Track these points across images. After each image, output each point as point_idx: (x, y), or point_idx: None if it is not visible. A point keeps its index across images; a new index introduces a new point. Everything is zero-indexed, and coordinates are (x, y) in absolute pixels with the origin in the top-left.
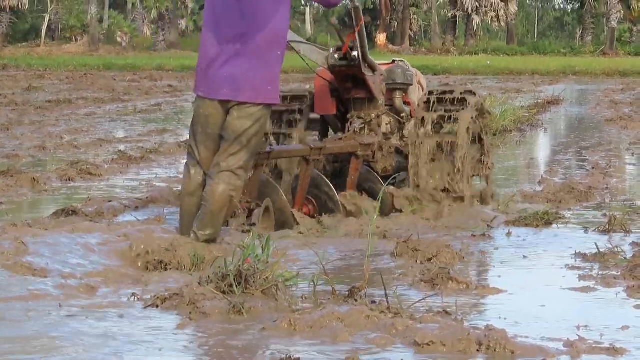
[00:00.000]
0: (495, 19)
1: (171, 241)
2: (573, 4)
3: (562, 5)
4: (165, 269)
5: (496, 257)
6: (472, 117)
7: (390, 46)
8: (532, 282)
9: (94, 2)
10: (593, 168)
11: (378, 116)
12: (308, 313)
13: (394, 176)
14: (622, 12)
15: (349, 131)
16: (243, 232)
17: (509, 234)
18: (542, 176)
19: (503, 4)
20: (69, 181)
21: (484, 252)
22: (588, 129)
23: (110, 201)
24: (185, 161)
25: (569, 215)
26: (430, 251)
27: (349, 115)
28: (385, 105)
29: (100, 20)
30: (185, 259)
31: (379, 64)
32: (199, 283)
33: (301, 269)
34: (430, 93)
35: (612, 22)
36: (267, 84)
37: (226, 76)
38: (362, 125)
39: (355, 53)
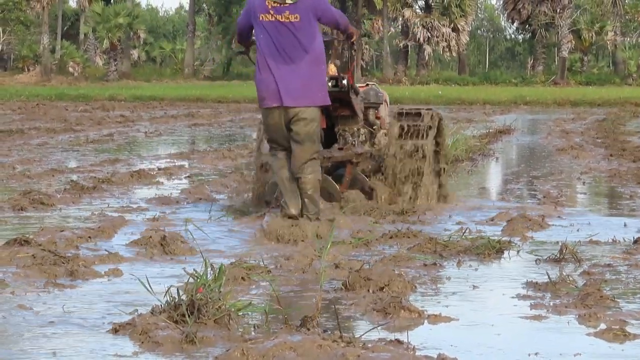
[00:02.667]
0: (447, 49)
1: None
2: (524, 34)
3: (513, 35)
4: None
5: (448, 286)
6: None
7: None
8: (484, 310)
9: (46, 33)
10: (544, 197)
11: (358, 129)
12: (260, 342)
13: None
14: (573, 42)
15: (343, 142)
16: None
17: (460, 263)
18: (493, 205)
19: (454, 34)
20: (21, 211)
21: (436, 281)
22: (539, 158)
23: (62, 231)
24: None
25: (521, 244)
26: (382, 280)
27: (336, 129)
28: (362, 119)
29: (53, 51)
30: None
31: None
32: (152, 312)
33: (254, 298)
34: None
35: (563, 52)
36: (320, 91)
37: (287, 89)
38: (353, 139)
39: (345, 82)
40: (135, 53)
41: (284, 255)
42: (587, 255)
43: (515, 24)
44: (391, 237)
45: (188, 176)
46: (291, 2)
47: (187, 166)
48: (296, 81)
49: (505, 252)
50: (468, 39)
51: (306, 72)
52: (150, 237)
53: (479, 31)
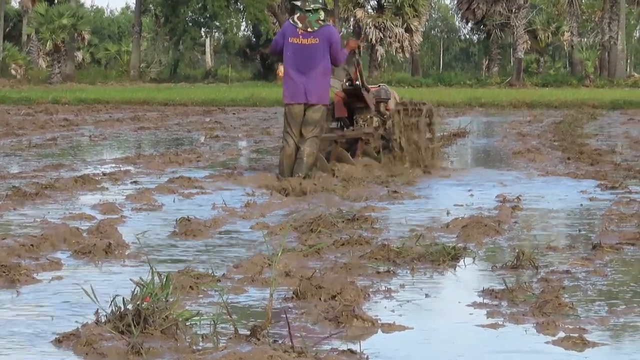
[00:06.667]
0: (400, 50)
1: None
2: (479, 35)
3: (467, 36)
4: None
5: (402, 294)
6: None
7: None
8: (439, 319)
9: None
10: (501, 202)
11: (370, 117)
12: (209, 353)
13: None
14: (529, 42)
15: (357, 125)
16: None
17: (413, 271)
18: (448, 210)
19: (407, 34)
20: None
21: (389, 289)
22: (495, 161)
23: (4, 239)
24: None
25: (476, 250)
26: (334, 288)
27: (354, 117)
28: (375, 110)
29: None
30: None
31: (370, 87)
32: (96, 322)
33: (202, 307)
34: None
35: (519, 53)
36: (325, 94)
37: (306, 90)
38: (363, 123)
39: (358, 82)
40: (79, 55)
41: (233, 263)
42: (544, 262)
43: (469, 24)
44: (343, 245)
45: (134, 181)
46: (313, 30)
47: (132, 171)
48: (312, 85)
49: (461, 259)
50: (421, 39)
51: (318, 80)
52: (95, 244)
53: (432, 31)
